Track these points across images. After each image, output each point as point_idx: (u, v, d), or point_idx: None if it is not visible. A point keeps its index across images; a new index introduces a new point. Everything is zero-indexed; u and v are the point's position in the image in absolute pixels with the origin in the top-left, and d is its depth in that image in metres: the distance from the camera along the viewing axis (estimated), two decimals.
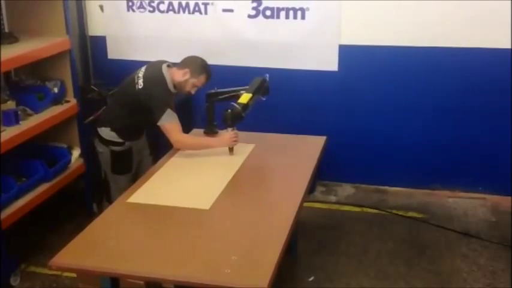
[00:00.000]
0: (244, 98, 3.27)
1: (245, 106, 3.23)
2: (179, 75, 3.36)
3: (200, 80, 3.39)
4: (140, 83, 3.30)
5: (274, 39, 4.32)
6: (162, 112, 3.23)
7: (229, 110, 3.20)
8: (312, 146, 3.41)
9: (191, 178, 3.05)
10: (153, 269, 2.26)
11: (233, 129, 3.27)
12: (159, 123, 3.25)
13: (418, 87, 4.22)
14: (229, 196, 2.81)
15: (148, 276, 2.29)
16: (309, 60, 4.31)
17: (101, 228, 2.59)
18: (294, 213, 2.63)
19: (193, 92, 3.44)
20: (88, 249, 2.43)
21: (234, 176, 3.01)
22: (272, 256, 2.29)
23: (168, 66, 3.39)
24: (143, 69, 3.39)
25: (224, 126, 3.29)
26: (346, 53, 4.22)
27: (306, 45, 4.28)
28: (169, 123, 3.25)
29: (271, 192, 2.94)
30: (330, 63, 4.27)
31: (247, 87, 3.38)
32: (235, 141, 3.28)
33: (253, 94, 3.31)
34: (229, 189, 2.87)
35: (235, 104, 3.21)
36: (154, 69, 3.37)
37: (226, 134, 3.29)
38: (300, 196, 2.80)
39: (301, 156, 3.31)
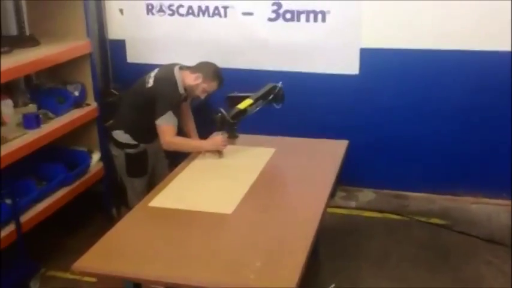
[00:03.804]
0: (244, 103, 3.32)
1: (241, 111, 3.27)
2: (191, 79, 3.35)
3: (211, 86, 3.39)
4: (150, 82, 3.32)
5: (294, 43, 4.29)
6: (164, 112, 3.24)
7: (219, 114, 3.25)
8: (333, 150, 3.37)
9: (212, 182, 3.02)
10: (175, 274, 2.24)
11: (222, 134, 3.30)
12: (156, 121, 3.26)
13: (439, 91, 4.16)
14: (252, 200, 2.78)
15: (171, 281, 2.26)
16: (330, 63, 4.27)
17: (123, 233, 2.58)
18: (318, 218, 2.59)
19: (202, 97, 3.45)
20: (110, 253, 2.42)
21: (256, 180, 2.98)
22: (297, 262, 2.26)
23: (181, 68, 3.39)
24: (156, 70, 3.42)
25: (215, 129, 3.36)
26: (368, 56, 4.17)
27: (327, 49, 4.24)
28: (167, 124, 3.26)
29: (294, 196, 2.90)
30: (351, 66, 4.23)
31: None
32: (224, 145, 3.29)
33: (256, 100, 3.35)
34: (251, 193, 2.84)
35: (222, 110, 3.26)
36: (166, 70, 3.39)
37: (217, 137, 3.32)
38: (324, 201, 2.76)
39: (323, 160, 3.27)
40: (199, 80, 3.35)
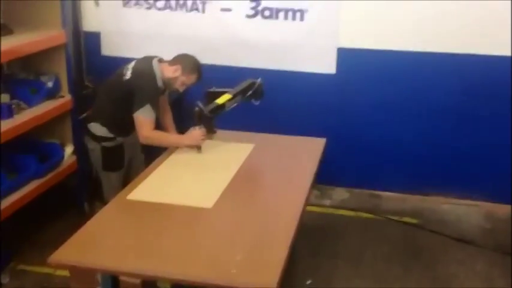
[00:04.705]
0: (222, 98, 3.30)
1: (219, 106, 3.26)
2: (170, 71, 3.31)
3: (190, 78, 3.34)
4: (128, 74, 3.26)
5: (272, 40, 4.28)
6: (142, 105, 3.18)
7: (196, 109, 3.22)
8: (312, 147, 3.39)
9: (192, 176, 3.00)
10: (155, 267, 2.21)
11: (200, 128, 3.26)
12: (134, 114, 3.20)
13: (415, 93, 4.20)
14: (232, 195, 2.76)
15: (151, 274, 2.22)
16: (307, 62, 4.27)
17: (100, 225, 2.53)
18: (299, 213, 2.60)
19: (181, 90, 3.40)
20: (87, 246, 2.38)
21: (236, 175, 2.96)
22: (279, 256, 2.26)
23: (160, 61, 3.35)
24: (133, 62, 3.36)
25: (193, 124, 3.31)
26: (345, 56, 4.19)
27: (304, 47, 4.24)
28: (144, 118, 3.20)
29: (274, 192, 2.90)
30: (328, 65, 4.24)
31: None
32: (203, 139, 3.26)
33: (234, 96, 3.33)
34: (231, 188, 2.82)
35: (200, 104, 3.23)
36: (145, 62, 3.33)
37: (195, 132, 3.28)
38: (304, 196, 2.77)
39: (302, 157, 3.28)
40: (178, 73, 3.30)
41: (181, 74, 3.30)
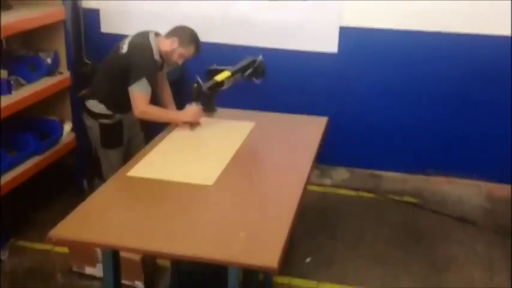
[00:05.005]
0: (222, 75, 3.25)
1: (217, 83, 3.21)
2: (166, 44, 3.26)
3: (188, 50, 3.28)
4: (124, 48, 3.22)
5: (274, 18, 4.22)
6: (137, 79, 3.13)
7: (195, 85, 3.17)
8: (313, 126, 3.35)
9: (192, 153, 2.97)
10: (157, 244, 2.19)
11: (197, 104, 3.22)
12: (129, 88, 3.16)
13: (416, 73, 4.16)
14: (233, 172, 2.74)
15: (153, 250, 2.21)
16: (308, 41, 4.22)
17: (100, 201, 2.50)
18: (300, 192, 2.57)
19: (180, 62, 3.34)
20: (87, 221, 2.35)
21: (236, 153, 2.93)
22: (281, 234, 2.23)
23: (156, 35, 3.30)
24: (130, 36, 3.31)
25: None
26: (347, 35, 4.14)
27: (306, 26, 4.19)
28: (140, 91, 3.15)
29: (275, 169, 2.86)
30: (330, 44, 4.20)
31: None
32: (200, 116, 3.24)
33: (234, 73, 3.28)
34: (232, 165, 2.79)
35: (199, 79, 3.17)
36: (141, 36, 3.28)
37: (192, 108, 3.25)
38: (306, 175, 2.74)
39: (303, 135, 3.25)
40: (175, 45, 3.25)
41: (179, 45, 3.25)
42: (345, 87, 4.30)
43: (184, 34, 3.28)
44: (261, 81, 3.51)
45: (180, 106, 3.58)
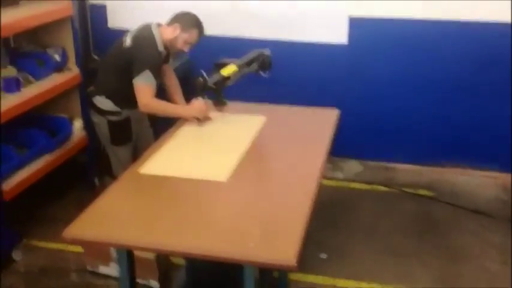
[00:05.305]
0: (228, 69, 3.16)
1: (223, 77, 3.13)
2: (169, 32, 3.20)
3: (192, 35, 3.22)
4: (128, 41, 3.17)
5: (282, 10, 4.18)
6: (141, 70, 3.07)
7: (200, 79, 3.08)
8: (325, 119, 3.29)
9: (204, 149, 2.92)
10: (172, 241, 2.15)
11: (203, 98, 3.17)
12: (134, 80, 3.10)
13: (429, 62, 4.11)
14: (246, 168, 2.69)
15: (169, 249, 2.17)
16: (318, 32, 4.18)
17: (113, 199, 2.46)
18: (315, 187, 2.52)
19: (186, 49, 3.26)
20: (101, 220, 2.31)
21: (249, 148, 2.88)
22: (297, 230, 2.19)
23: (158, 25, 3.25)
24: (132, 30, 3.27)
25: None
26: (357, 25, 4.10)
27: (315, 16, 4.15)
28: (144, 84, 3.09)
29: (289, 164, 2.81)
30: (339, 35, 4.15)
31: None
32: (204, 111, 3.17)
33: (241, 67, 3.21)
34: (245, 161, 2.74)
35: (204, 74, 3.10)
36: (144, 28, 3.23)
37: (196, 103, 3.19)
38: (320, 169, 2.69)
39: (316, 128, 3.19)
40: (178, 31, 3.18)
41: (181, 31, 3.19)
42: (355, 78, 4.26)
43: (186, 19, 3.22)
44: (269, 74, 3.45)
45: (188, 98, 3.53)
